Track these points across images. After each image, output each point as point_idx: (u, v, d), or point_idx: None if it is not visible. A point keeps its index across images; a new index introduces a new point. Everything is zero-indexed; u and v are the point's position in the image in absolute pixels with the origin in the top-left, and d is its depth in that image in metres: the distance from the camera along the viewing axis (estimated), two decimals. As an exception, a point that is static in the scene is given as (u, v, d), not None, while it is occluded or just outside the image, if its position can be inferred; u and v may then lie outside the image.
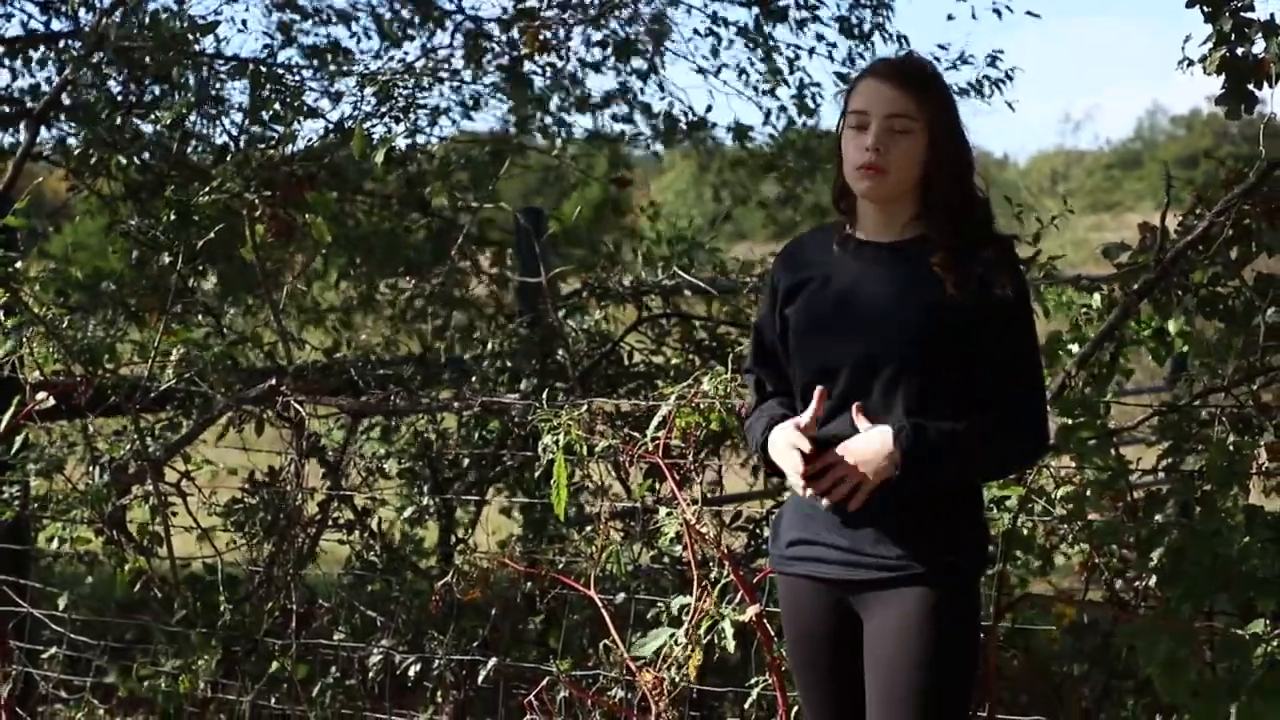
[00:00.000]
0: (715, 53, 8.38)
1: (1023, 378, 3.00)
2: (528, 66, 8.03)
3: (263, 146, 5.27)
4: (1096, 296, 4.38)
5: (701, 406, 3.94)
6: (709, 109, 8.55)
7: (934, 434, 2.90)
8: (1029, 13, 8.41)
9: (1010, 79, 8.40)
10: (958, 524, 3.02)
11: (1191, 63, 4.16)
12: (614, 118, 8.81)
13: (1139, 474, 4.61)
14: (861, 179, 3.01)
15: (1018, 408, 2.99)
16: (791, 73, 8.46)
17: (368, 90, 4.97)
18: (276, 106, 5.19)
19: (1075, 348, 4.11)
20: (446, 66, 7.58)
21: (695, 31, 8.18)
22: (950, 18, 8.77)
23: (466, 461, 5.16)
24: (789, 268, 3.17)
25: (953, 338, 2.94)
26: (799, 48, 8.47)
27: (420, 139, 7.08)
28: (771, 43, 8.22)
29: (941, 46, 8.42)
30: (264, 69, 5.16)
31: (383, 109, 4.99)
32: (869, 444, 2.92)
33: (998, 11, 8.28)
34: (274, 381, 4.90)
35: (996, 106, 8.61)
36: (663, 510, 3.93)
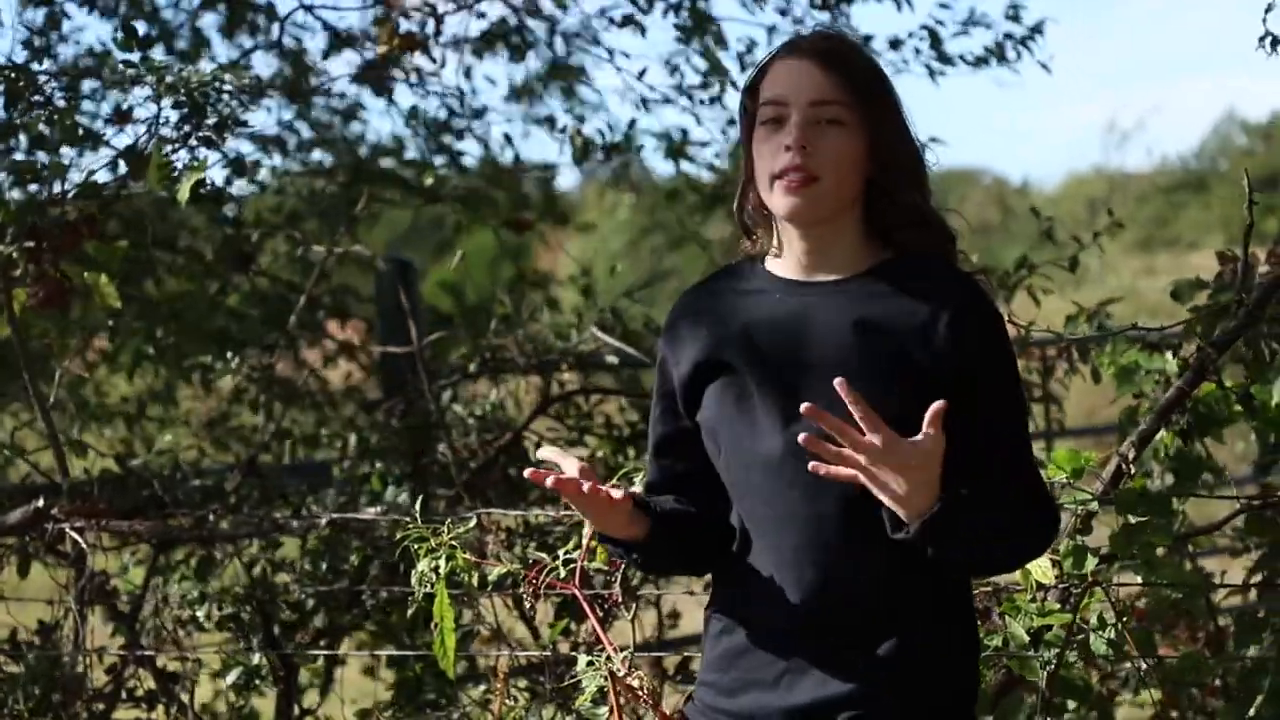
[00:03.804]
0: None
1: (1019, 448, 2.99)
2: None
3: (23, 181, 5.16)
4: (1170, 357, 4.36)
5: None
6: (632, 124, 8.42)
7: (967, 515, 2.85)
8: None
9: (1040, 33, 8.41)
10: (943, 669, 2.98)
11: (1276, 40, 4.17)
12: (506, 137, 8.74)
13: (1225, 594, 4.59)
14: (785, 192, 2.96)
15: (1021, 487, 2.96)
16: (743, 70, 8.42)
17: (166, 102, 4.87)
18: (42, 127, 5.09)
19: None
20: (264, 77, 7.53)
21: (611, 20, 8.10)
22: None
23: (312, 603, 5.05)
24: (689, 335, 3.11)
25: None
26: (752, 41, 8.44)
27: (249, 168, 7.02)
28: (715, 27, 8.16)
29: (943, 5, 8.40)
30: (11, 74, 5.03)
31: (188, 128, 4.88)
32: (910, 471, 2.79)
33: None
34: (40, 503, 4.78)
35: (1018, 100, 8.60)
36: (582, 659, 3.84)
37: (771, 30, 8.32)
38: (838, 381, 2.77)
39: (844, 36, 3.12)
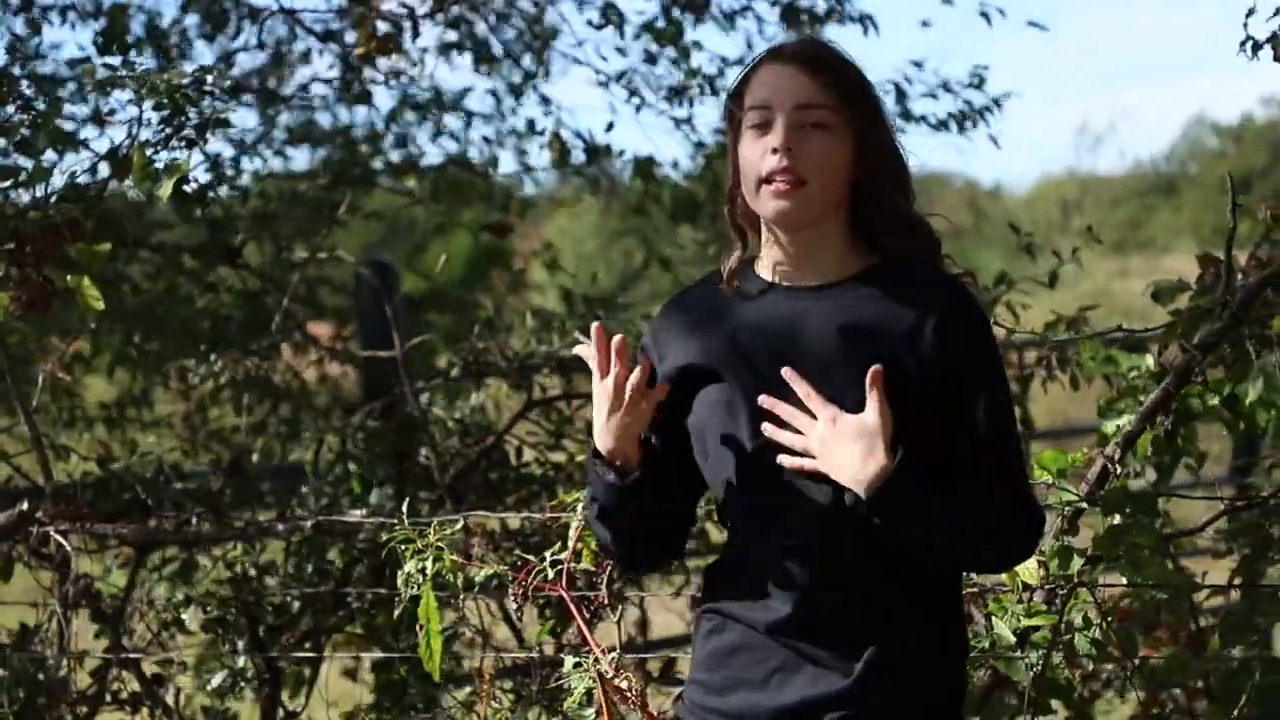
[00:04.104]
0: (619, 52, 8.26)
1: (1006, 451, 3.00)
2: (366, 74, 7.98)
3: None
4: (1148, 357, 4.38)
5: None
6: (610, 127, 8.45)
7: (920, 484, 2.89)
8: (1033, 23, 8.59)
9: (999, 106, 8.51)
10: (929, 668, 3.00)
11: (1258, 45, 4.18)
12: (486, 140, 8.75)
13: (1207, 594, 4.61)
14: (773, 195, 2.98)
15: (1006, 491, 2.98)
16: (713, 92, 8.45)
17: (148, 104, 4.85)
18: (24, 130, 5.06)
19: (1125, 421, 4.08)
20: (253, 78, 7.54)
21: (589, 22, 8.11)
22: (926, 24, 8.92)
23: (297, 605, 5.05)
24: (677, 338, 3.12)
25: (915, 415, 2.92)
26: (724, 60, 8.47)
27: (228, 171, 7.03)
28: (690, 43, 8.18)
29: (916, 64, 8.49)
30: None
31: (169, 129, 4.87)
32: (856, 442, 2.87)
33: (985, 15, 8.37)
34: (25, 506, 4.76)
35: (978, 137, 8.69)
36: (569, 661, 3.84)
37: (739, 62, 8.40)
38: (785, 371, 2.90)
39: (828, 43, 3.14)
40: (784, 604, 2.97)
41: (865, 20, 8.26)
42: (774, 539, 2.99)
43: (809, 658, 2.96)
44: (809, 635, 2.96)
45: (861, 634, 2.95)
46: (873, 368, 2.85)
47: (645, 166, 8.50)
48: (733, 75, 8.27)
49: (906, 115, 8.52)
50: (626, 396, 3.01)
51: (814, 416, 2.91)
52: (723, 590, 3.10)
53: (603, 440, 3.07)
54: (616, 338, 3.01)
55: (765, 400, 2.92)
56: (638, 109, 8.33)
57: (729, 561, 3.10)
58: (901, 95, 8.49)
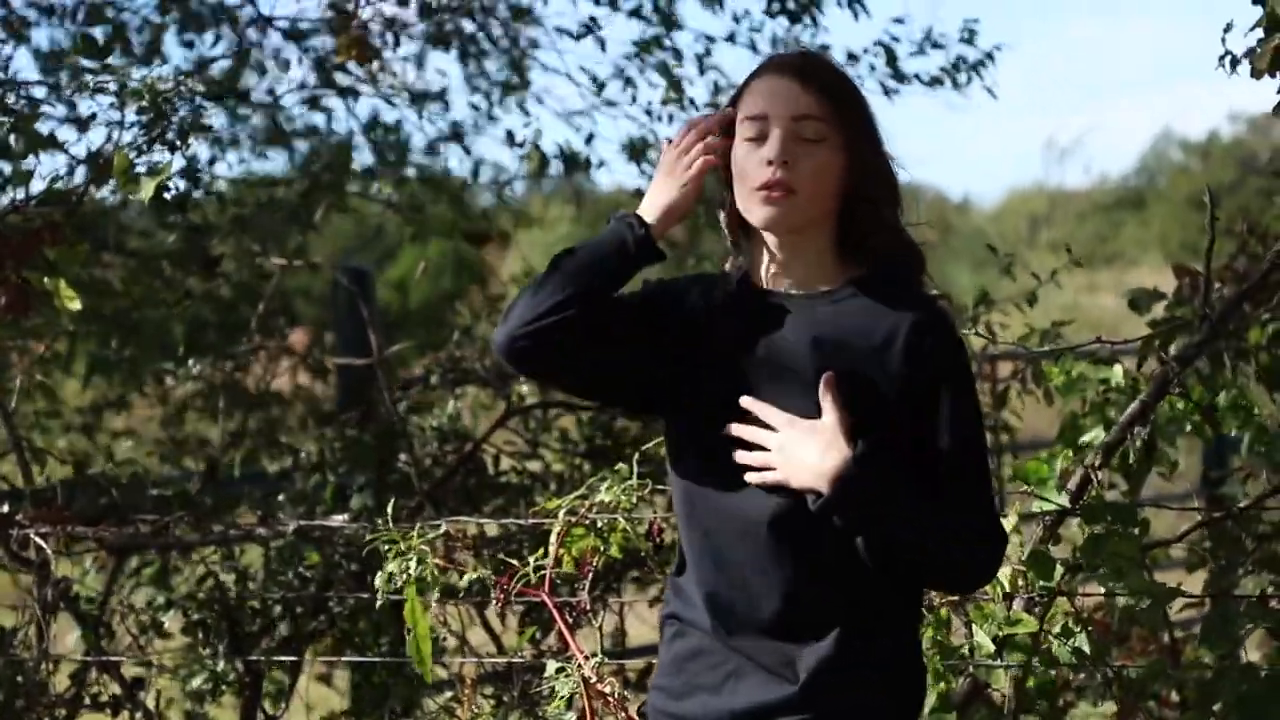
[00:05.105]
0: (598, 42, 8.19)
1: (974, 470, 3.04)
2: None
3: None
4: (1117, 369, 4.41)
5: (599, 525, 3.89)
6: (590, 139, 8.46)
7: (884, 475, 2.93)
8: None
9: (992, 60, 8.45)
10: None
11: (1235, 59, 4.21)
12: (466, 151, 8.76)
13: (1181, 607, 4.64)
14: (764, 203, 3.03)
15: (971, 508, 3.01)
16: (702, 72, 8.44)
17: (130, 106, 4.85)
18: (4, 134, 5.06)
19: (1099, 433, 4.11)
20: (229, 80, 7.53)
21: (569, 33, 8.11)
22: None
23: (279, 609, 5.05)
24: (675, 317, 3.15)
25: (900, 422, 2.98)
26: (709, 38, 8.44)
27: (205, 176, 7.02)
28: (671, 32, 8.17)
29: (898, 20, 8.44)
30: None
31: (153, 132, 4.87)
32: (814, 438, 2.93)
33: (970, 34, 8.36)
34: (6, 509, 4.76)
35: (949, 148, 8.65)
36: (551, 665, 3.85)
37: (731, 38, 8.38)
38: (744, 400, 2.99)
39: (822, 55, 3.21)
40: (736, 609, 3.03)
41: (855, 3, 8.21)
42: (729, 545, 3.04)
43: (761, 662, 3.01)
44: (760, 640, 3.01)
45: (812, 639, 2.99)
46: (824, 375, 2.93)
47: (638, 149, 8.44)
48: (719, 52, 8.35)
49: (899, 77, 8.47)
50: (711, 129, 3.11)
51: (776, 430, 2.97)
52: (682, 595, 3.14)
53: (657, 195, 3.14)
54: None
55: (734, 427, 2.99)
56: (631, 99, 8.31)
57: (688, 566, 3.14)
58: (892, 57, 8.45)
